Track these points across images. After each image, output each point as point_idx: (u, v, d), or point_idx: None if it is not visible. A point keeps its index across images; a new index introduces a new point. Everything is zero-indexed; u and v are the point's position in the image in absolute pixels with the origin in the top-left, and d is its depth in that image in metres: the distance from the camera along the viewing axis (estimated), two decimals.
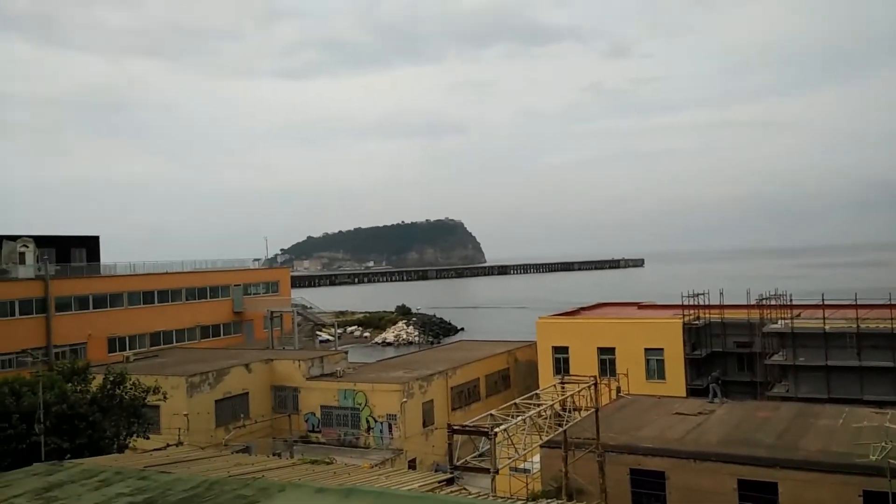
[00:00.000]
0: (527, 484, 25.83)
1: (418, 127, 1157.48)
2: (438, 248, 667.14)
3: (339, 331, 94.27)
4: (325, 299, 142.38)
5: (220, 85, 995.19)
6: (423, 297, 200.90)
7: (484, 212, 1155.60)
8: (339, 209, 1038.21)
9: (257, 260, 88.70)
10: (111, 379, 28.40)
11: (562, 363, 45.27)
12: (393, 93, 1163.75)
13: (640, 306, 56.21)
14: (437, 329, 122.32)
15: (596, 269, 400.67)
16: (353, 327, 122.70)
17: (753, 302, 44.93)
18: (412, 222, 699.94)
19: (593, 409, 24.50)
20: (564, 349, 45.80)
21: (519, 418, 20.31)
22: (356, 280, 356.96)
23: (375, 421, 40.48)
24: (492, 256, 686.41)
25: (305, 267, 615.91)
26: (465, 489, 13.67)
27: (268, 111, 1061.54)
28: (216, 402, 40.71)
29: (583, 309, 55.11)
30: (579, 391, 23.97)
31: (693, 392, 41.34)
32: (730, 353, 43.96)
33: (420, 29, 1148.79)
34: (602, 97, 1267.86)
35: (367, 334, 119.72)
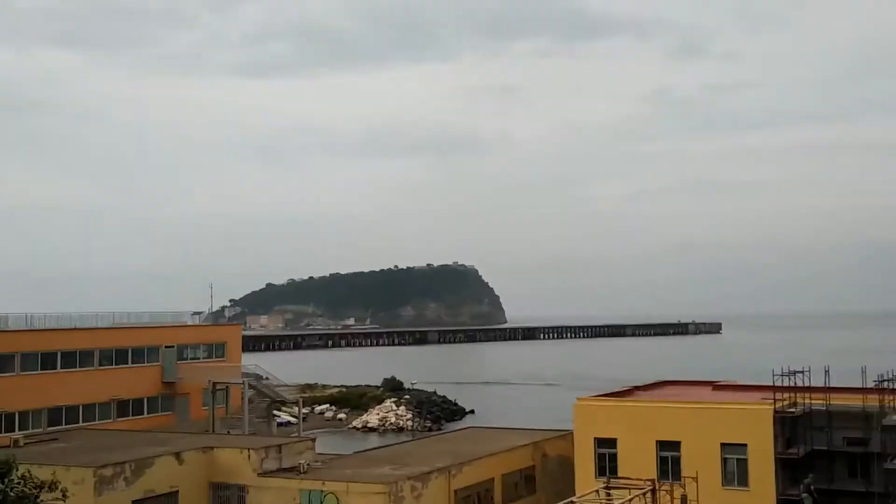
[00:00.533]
0: None
1: (420, 143, 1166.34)
2: (443, 303, 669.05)
3: (304, 410, 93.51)
4: (287, 368, 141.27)
5: (159, 84, 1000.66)
6: (421, 367, 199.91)
7: (505, 256, 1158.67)
8: (312, 249, 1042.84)
9: (198, 314, 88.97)
10: None
11: (607, 461, 44.79)
12: (387, 98, 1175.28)
13: (715, 387, 55.84)
14: (438, 411, 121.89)
15: (656, 335, 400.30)
16: (325, 406, 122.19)
17: (871, 384, 44.47)
18: (408, 268, 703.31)
19: None
20: (611, 442, 45.35)
21: None
22: (330, 343, 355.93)
23: None
24: (515, 315, 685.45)
25: (262, 324, 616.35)
26: None
27: (221, 119, 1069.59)
28: (133, 503, 40.28)
29: (637, 388, 54.76)
30: (631, 499, 23.59)
31: None
32: (837, 452, 43.38)
33: (426, 16, 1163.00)
34: (667, 109, 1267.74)
35: (342, 416, 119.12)
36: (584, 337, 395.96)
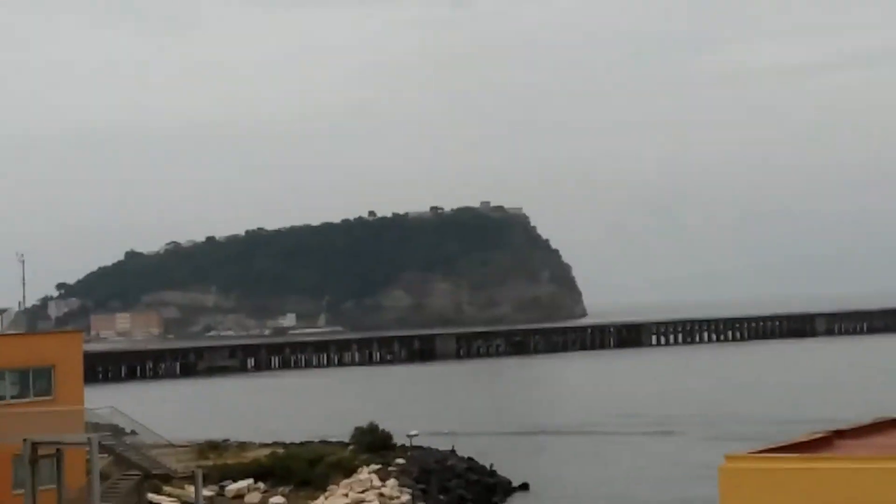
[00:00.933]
0: None
1: None
2: (464, 282, 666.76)
3: (207, 493, 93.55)
4: (172, 412, 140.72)
5: None
6: (427, 405, 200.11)
7: (578, 191, 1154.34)
8: (208, 186, 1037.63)
9: None
10: None
11: None
12: None
13: None
14: (461, 488, 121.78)
15: (873, 331, 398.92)
16: (244, 483, 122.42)
17: None
18: (396, 214, 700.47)
19: None
20: None
21: None
22: (252, 363, 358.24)
23: None
24: (600, 302, 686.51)
25: (121, 330, 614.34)
26: None
27: None
28: None
29: (840, 434, 54.59)
30: None
31: None
32: None
33: None
34: None
35: (278, 501, 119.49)
36: (730, 339, 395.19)
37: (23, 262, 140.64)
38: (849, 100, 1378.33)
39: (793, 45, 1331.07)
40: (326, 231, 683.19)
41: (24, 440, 73.62)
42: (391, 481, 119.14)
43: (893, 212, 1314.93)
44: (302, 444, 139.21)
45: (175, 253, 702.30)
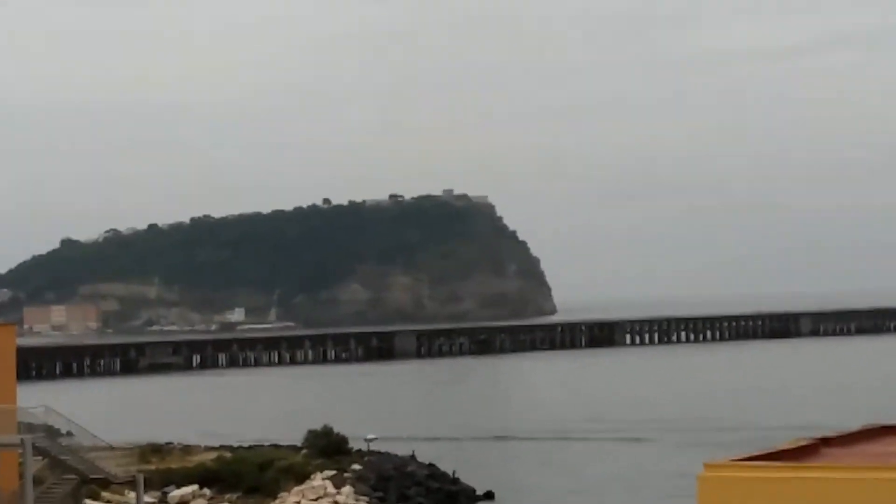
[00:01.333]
0: None
1: None
2: (425, 275, 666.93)
3: (149, 499, 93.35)
4: (111, 411, 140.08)
5: None
6: (385, 407, 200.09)
7: (548, 178, 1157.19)
8: (153, 167, 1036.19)
9: None
10: None
11: None
12: None
13: None
14: (421, 496, 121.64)
15: (861, 332, 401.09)
16: (189, 489, 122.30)
17: None
18: (353, 202, 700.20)
19: None
20: None
21: None
22: (197, 360, 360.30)
23: None
24: (571, 298, 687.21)
25: (57, 324, 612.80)
26: None
27: None
28: None
29: (827, 442, 54.72)
30: None
31: None
32: None
33: None
34: None
35: None
36: (709, 339, 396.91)
37: None
38: (833, 88, 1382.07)
39: (771, 27, 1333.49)
40: (277, 219, 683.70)
41: None
42: (346, 488, 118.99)
43: (877, 208, 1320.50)
44: (251, 447, 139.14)
45: (114, 241, 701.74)
